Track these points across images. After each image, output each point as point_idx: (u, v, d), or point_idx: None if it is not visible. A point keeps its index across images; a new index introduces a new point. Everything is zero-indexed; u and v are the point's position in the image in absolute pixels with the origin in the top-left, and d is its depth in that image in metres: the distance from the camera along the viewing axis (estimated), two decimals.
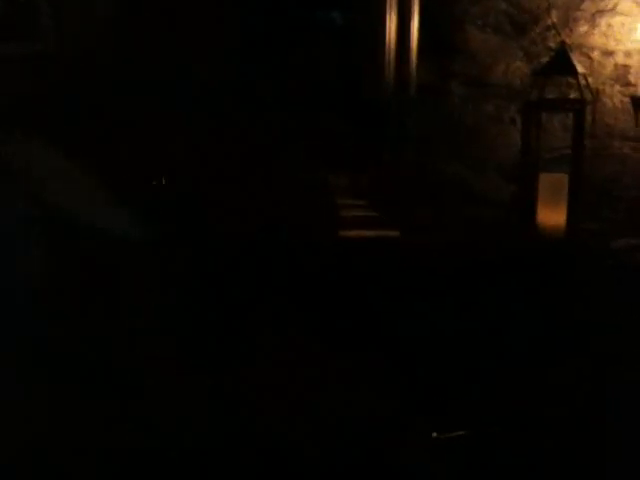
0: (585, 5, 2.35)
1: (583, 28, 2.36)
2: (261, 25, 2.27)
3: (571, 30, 2.36)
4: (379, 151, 2.34)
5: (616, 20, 2.35)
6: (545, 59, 2.32)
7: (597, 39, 2.36)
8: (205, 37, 2.21)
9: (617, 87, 2.38)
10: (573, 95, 2.33)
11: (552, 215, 2.25)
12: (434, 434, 2.13)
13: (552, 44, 2.34)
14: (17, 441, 1.90)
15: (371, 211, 2.35)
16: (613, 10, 2.34)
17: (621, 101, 2.39)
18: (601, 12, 2.34)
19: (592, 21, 2.36)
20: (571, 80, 2.31)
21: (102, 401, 1.99)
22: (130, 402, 2.01)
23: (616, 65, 2.37)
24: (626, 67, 2.37)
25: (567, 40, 2.32)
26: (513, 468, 2.11)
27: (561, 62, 2.28)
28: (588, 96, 2.30)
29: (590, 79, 2.33)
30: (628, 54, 2.36)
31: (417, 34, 2.23)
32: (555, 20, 2.35)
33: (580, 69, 2.28)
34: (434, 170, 2.36)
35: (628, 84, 2.38)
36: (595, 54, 2.37)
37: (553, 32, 2.35)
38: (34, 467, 1.94)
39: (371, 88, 2.29)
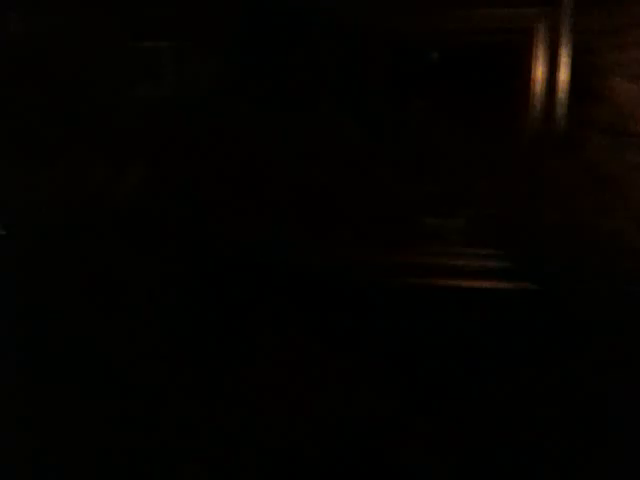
0: None
1: None
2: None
3: None
4: (514, 197, 2.29)
5: None
6: None
7: None
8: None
9: None
10: None
11: None
12: None
13: None
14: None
15: (504, 261, 2.28)
16: None
17: None
18: None
19: None
20: None
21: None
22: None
23: None
24: None
25: None
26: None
27: None
28: None
29: None
30: None
31: (566, 83, 2.19)
32: None
33: None
34: (577, 219, 2.29)
35: None
36: None
37: None
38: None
39: (518, 136, 2.26)
